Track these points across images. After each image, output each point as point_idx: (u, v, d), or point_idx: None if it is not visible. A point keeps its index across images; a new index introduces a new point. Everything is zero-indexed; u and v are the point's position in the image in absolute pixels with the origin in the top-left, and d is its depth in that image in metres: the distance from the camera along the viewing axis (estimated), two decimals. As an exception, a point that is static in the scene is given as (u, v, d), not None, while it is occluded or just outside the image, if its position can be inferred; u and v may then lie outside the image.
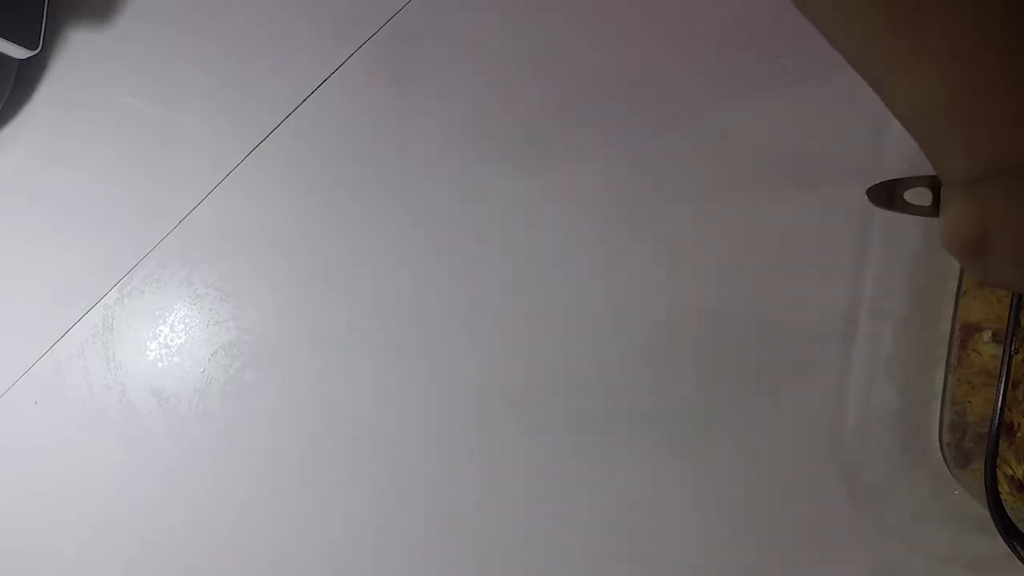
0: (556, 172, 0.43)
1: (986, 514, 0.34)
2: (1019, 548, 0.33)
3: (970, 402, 0.39)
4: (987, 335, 0.39)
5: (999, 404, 0.33)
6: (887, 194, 0.28)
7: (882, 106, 0.23)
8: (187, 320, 0.44)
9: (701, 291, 0.42)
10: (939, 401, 0.41)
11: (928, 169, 0.24)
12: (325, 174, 0.43)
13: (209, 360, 0.44)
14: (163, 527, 0.44)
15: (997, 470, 0.34)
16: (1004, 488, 0.37)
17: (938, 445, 0.41)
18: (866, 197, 0.29)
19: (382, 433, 0.43)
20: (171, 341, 0.44)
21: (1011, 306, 0.34)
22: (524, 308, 0.42)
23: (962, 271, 0.41)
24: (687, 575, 0.43)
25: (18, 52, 0.41)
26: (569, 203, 0.43)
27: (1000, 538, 0.33)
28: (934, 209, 0.26)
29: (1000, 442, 0.34)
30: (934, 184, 0.26)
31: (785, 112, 0.42)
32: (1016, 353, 0.35)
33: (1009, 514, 0.33)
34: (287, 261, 0.43)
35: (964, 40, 0.20)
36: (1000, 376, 0.34)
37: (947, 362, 0.41)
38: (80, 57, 0.44)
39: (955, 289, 0.41)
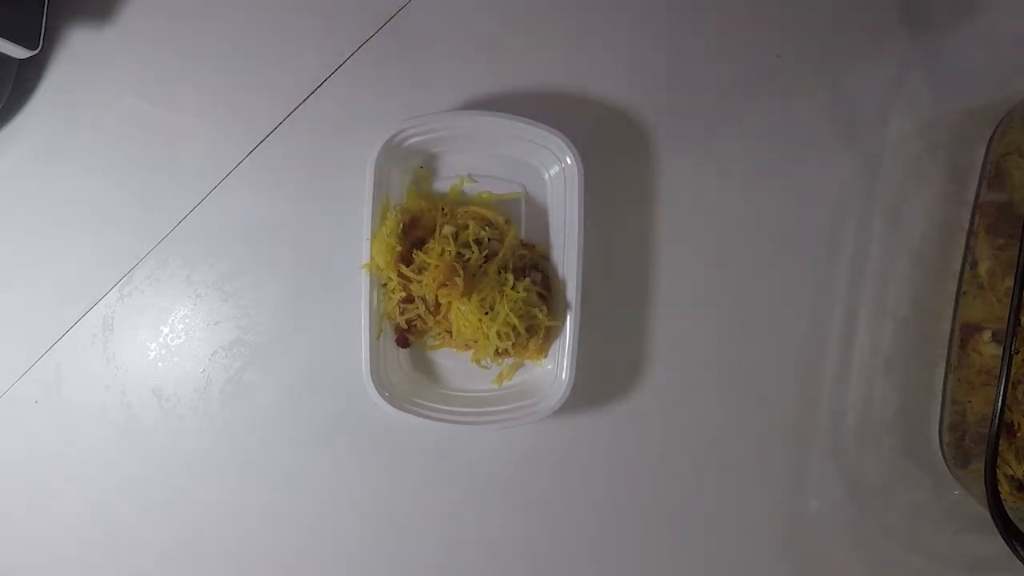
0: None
1: (986, 514, 0.34)
2: (1019, 548, 0.33)
3: (970, 402, 0.39)
4: (987, 335, 0.39)
5: (999, 404, 0.33)
6: None
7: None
8: (187, 320, 0.44)
9: (698, 292, 0.42)
10: (939, 401, 0.41)
11: None
12: (325, 174, 0.43)
13: (209, 360, 0.44)
14: (163, 527, 0.44)
15: (997, 470, 0.34)
16: (1004, 488, 0.37)
17: (938, 445, 0.41)
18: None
19: (383, 433, 0.43)
20: (171, 341, 0.44)
21: (1011, 306, 0.34)
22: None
23: (962, 271, 0.41)
24: (693, 571, 0.43)
25: (18, 52, 0.41)
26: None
27: (1000, 538, 0.34)
28: None
29: (1000, 442, 0.34)
30: None
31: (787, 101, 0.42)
32: (1016, 353, 0.35)
33: (1009, 514, 0.33)
34: (287, 261, 0.43)
35: None
36: (1000, 376, 0.34)
37: (947, 362, 0.41)
38: (80, 57, 0.44)
39: (955, 289, 0.41)
